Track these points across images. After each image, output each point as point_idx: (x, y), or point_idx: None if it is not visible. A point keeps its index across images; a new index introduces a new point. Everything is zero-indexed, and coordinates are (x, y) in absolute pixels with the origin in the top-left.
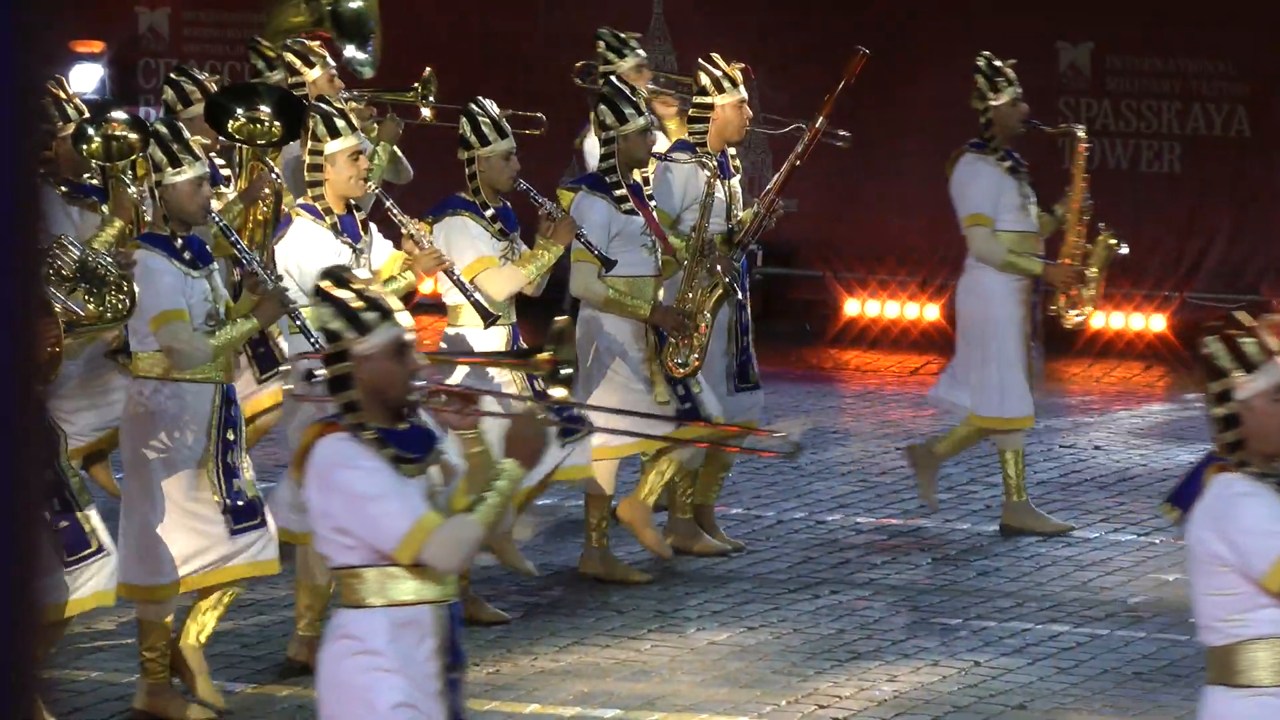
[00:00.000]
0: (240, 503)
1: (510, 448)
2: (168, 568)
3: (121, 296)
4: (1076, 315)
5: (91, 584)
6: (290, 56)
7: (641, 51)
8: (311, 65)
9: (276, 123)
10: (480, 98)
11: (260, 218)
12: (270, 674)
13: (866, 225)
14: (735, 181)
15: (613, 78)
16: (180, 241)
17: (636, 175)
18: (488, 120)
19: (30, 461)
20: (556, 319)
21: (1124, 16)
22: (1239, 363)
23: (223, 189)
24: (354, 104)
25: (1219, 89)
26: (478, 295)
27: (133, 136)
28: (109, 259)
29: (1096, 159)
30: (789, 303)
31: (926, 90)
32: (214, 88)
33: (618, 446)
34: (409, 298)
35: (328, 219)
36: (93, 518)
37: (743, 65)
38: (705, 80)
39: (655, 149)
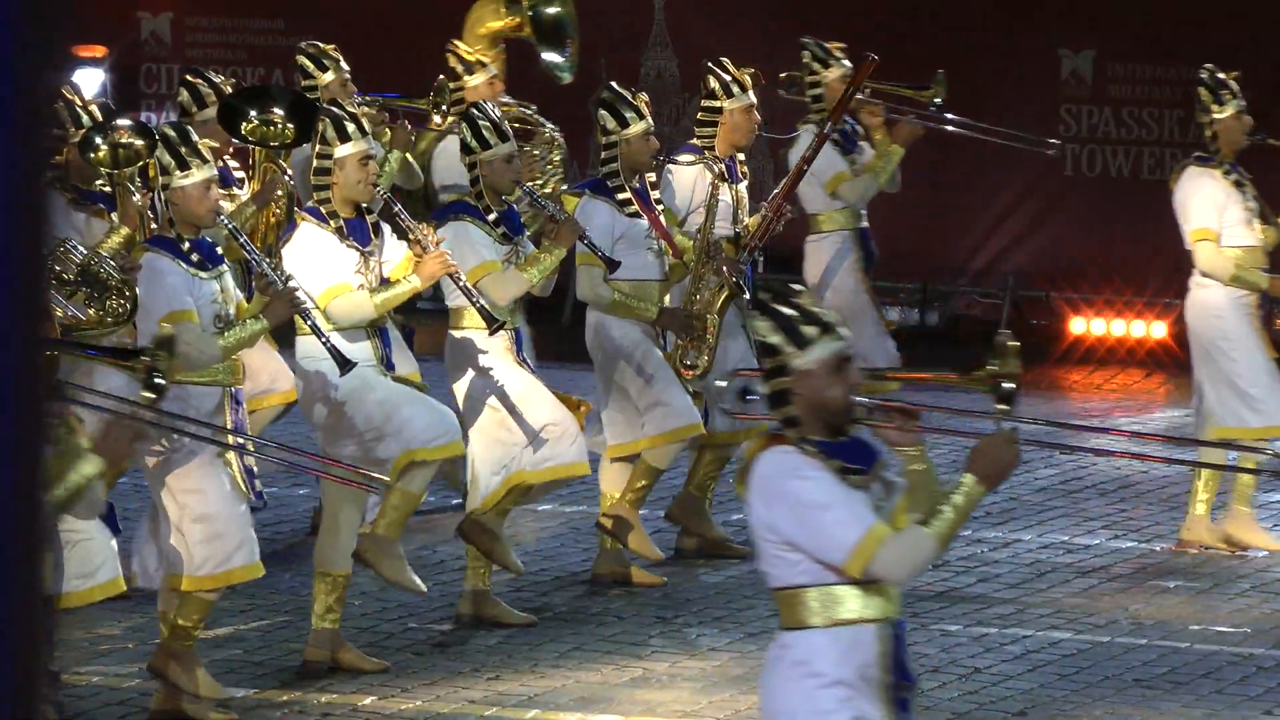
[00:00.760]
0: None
1: (976, 464)
2: (219, 557)
3: (122, 300)
4: None
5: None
6: (303, 59)
7: (846, 61)
8: (325, 69)
9: (289, 125)
10: (480, 101)
11: (274, 220)
12: (272, 678)
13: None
14: (742, 187)
15: (613, 83)
16: (188, 244)
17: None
18: (488, 124)
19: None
20: (1000, 333)
21: (1125, 24)
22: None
23: (235, 191)
24: (365, 109)
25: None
26: (482, 301)
27: (139, 143)
28: (111, 263)
29: (1098, 166)
30: None
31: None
32: (228, 90)
33: (631, 443)
34: (413, 302)
35: (333, 223)
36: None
37: (752, 70)
38: (714, 84)
39: (836, 159)
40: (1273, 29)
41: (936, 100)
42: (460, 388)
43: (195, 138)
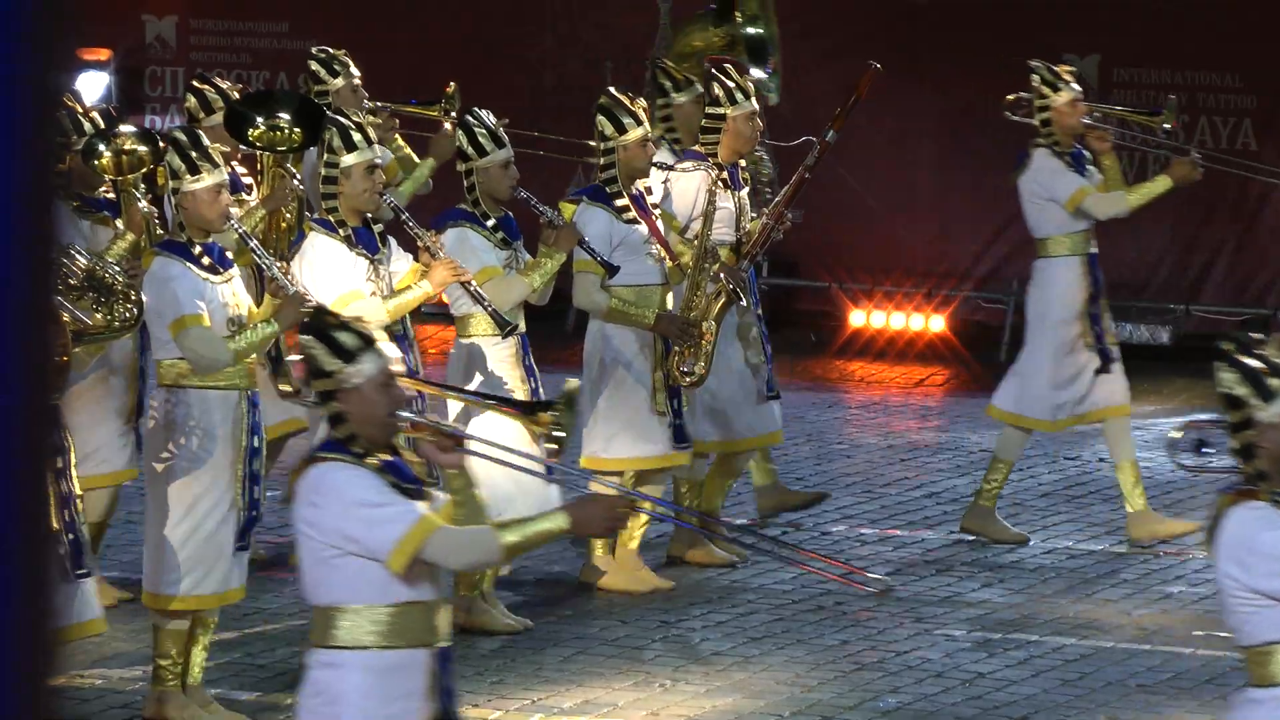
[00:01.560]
0: (254, 513)
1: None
2: (183, 580)
3: (129, 305)
4: None
5: (93, 607)
6: (314, 65)
7: (1076, 85)
8: (335, 74)
9: (296, 129)
10: (476, 108)
11: (284, 225)
12: (276, 682)
13: (872, 236)
14: (744, 194)
15: (611, 89)
16: (199, 248)
17: (642, 183)
18: (484, 131)
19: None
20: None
21: (1130, 29)
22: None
23: (244, 197)
24: (371, 116)
25: (1225, 102)
26: (492, 305)
27: (143, 150)
28: (117, 268)
29: None
30: (794, 313)
31: (936, 102)
32: (236, 95)
33: (618, 459)
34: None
35: (342, 232)
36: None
37: (753, 76)
38: (718, 91)
39: (1071, 177)
40: (1277, 33)
41: (1166, 126)
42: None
43: (205, 142)
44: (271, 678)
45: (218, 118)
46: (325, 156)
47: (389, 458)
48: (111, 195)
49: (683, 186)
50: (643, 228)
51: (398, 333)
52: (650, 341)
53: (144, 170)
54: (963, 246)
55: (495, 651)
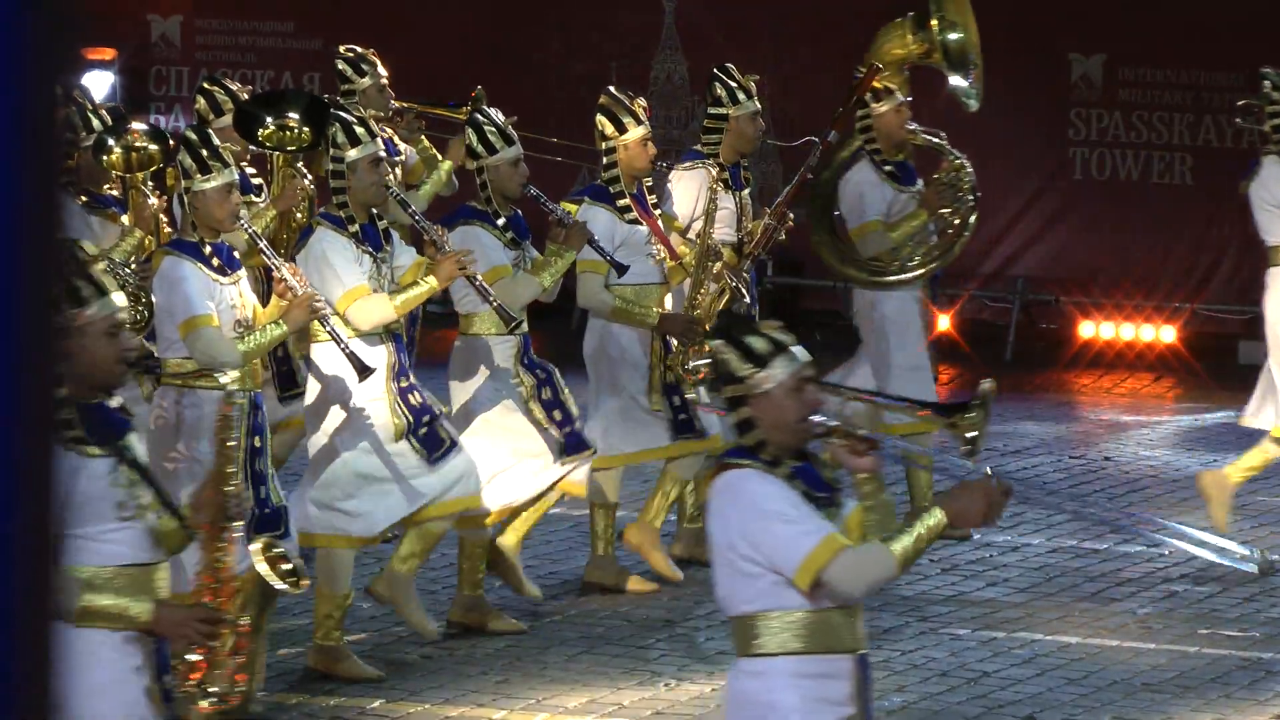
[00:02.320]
0: (266, 510)
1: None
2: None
3: (139, 307)
4: None
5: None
6: (341, 64)
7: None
8: (363, 74)
9: (305, 129)
10: (484, 106)
11: (295, 226)
12: (280, 681)
13: None
14: (746, 193)
15: (611, 88)
16: (209, 248)
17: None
18: (493, 129)
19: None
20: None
21: (1136, 28)
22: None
23: (253, 197)
24: (397, 117)
25: (1231, 101)
26: (499, 300)
27: (153, 148)
28: (125, 269)
29: (1107, 170)
30: (799, 313)
31: (940, 103)
32: (245, 96)
33: (621, 455)
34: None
35: (350, 228)
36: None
37: (756, 77)
38: (720, 91)
39: (1258, 188)
40: None
41: None
42: (462, 392)
43: (216, 141)
44: (273, 677)
45: (227, 119)
46: (330, 152)
47: (799, 464)
48: (118, 192)
49: (684, 186)
50: (644, 227)
51: (396, 332)
52: (650, 341)
53: (153, 168)
54: (968, 245)
55: (500, 650)
